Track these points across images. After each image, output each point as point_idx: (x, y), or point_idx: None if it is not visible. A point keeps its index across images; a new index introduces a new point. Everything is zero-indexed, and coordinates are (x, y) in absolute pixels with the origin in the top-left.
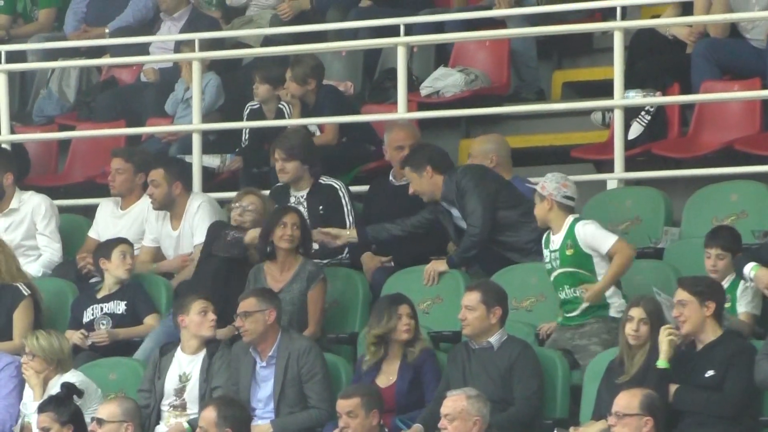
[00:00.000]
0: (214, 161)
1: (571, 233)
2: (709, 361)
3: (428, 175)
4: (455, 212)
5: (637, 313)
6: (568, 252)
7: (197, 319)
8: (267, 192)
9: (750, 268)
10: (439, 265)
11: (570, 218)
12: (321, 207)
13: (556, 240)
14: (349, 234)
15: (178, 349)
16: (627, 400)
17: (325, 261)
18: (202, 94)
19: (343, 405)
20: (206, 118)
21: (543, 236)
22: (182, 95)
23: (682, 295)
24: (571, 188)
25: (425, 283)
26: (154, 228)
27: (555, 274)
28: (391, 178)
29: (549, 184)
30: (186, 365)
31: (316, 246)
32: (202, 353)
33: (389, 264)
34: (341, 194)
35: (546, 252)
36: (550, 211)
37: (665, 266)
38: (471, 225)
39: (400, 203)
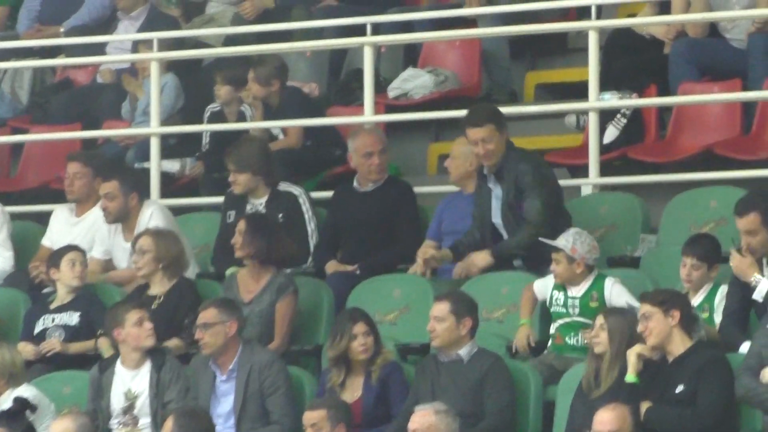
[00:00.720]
0: (173, 166)
1: (598, 287)
2: (680, 375)
3: (504, 137)
4: (498, 191)
5: (598, 320)
6: (593, 304)
7: (134, 331)
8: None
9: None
10: (480, 259)
11: (594, 272)
12: (281, 215)
13: (575, 289)
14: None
15: (118, 363)
16: (609, 417)
17: (287, 270)
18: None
19: (309, 417)
20: (165, 121)
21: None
22: (130, 108)
23: (644, 308)
24: (597, 249)
25: (417, 269)
26: (105, 239)
27: (567, 320)
28: (355, 184)
29: (580, 247)
30: (130, 381)
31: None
32: (146, 366)
33: (355, 272)
34: (301, 201)
35: (558, 294)
36: (578, 272)
37: (642, 275)
38: (536, 218)
39: (365, 210)
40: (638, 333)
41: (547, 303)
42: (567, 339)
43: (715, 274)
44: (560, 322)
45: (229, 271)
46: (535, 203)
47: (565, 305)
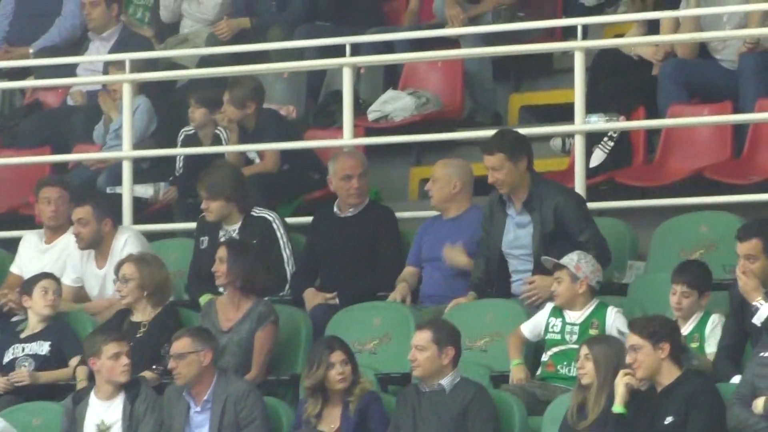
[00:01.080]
0: (147, 191)
1: (600, 315)
2: (669, 405)
3: (522, 167)
4: (524, 220)
5: (583, 350)
6: (592, 331)
7: (109, 364)
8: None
9: None
10: (545, 286)
11: (595, 300)
12: (255, 241)
13: (574, 315)
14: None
15: (92, 394)
16: None
17: (264, 298)
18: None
19: None
20: (138, 144)
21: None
22: (104, 130)
23: (633, 339)
24: (601, 272)
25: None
26: (77, 266)
27: (563, 348)
28: (335, 209)
29: (584, 266)
30: (103, 412)
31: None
32: (120, 397)
33: (334, 301)
34: (275, 226)
35: (555, 321)
36: (580, 293)
37: (630, 303)
38: (601, 244)
39: (345, 236)
40: (625, 363)
41: (542, 333)
42: (559, 367)
43: (705, 301)
44: (555, 349)
45: (204, 299)
46: (593, 235)
47: (561, 332)
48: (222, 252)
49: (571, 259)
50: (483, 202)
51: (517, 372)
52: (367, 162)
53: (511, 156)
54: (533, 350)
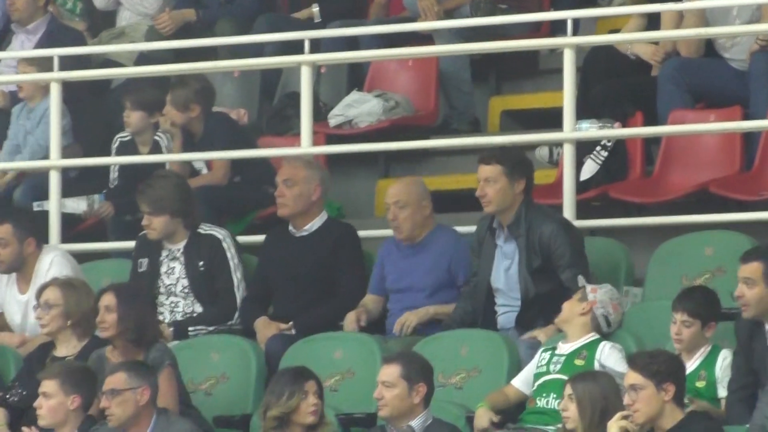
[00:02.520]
0: (80, 205)
1: (591, 348)
2: None
3: (518, 189)
4: (509, 249)
5: (566, 389)
6: (578, 361)
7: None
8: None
9: None
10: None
11: (592, 335)
12: (201, 263)
13: (566, 346)
14: None
15: None
16: None
17: (211, 327)
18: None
19: None
20: (64, 151)
21: None
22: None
23: (633, 378)
24: (617, 316)
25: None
26: None
27: (546, 378)
28: (291, 228)
29: (601, 292)
30: None
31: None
32: None
33: (289, 332)
34: (225, 246)
35: (544, 355)
36: (582, 315)
37: (625, 335)
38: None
39: (301, 257)
40: (618, 404)
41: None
42: (538, 400)
43: (710, 333)
44: (538, 383)
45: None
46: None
47: (548, 363)
48: (108, 299)
49: (586, 283)
50: (453, 222)
51: (479, 417)
52: (315, 171)
53: (510, 172)
54: None
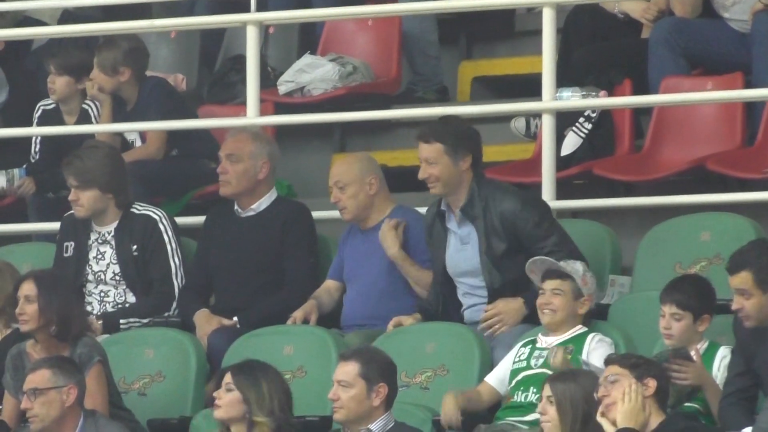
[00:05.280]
0: None
1: (579, 341)
2: None
3: (464, 166)
4: (465, 232)
5: (545, 390)
6: (565, 355)
7: None
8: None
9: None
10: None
11: (579, 327)
12: (135, 246)
13: (549, 339)
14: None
15: None
16: None
17: (145, 320)
18: None
19: None
20: None
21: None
22: None
23: (612, 369)
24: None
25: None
26: None
27: (529, 373)
28: (235, 207)
29: (590, 281)
30: None
31: None
32: None
33: (233, 326)
34: (162, 227)
35: (524, 350)
36: (580, 314)
37: (611, 329)
38: (567, 256)
39: (246, 241)
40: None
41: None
42: (515, 396)
43: (703, 327)
44: (516, 379)
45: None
46: (557, 244)
47: (528, 358)
48: (28, 288)
49: (576, 269)
50: (415, 203)
51: (447, 401)
52: (262, 144)
53: (452, 149)
54: None
